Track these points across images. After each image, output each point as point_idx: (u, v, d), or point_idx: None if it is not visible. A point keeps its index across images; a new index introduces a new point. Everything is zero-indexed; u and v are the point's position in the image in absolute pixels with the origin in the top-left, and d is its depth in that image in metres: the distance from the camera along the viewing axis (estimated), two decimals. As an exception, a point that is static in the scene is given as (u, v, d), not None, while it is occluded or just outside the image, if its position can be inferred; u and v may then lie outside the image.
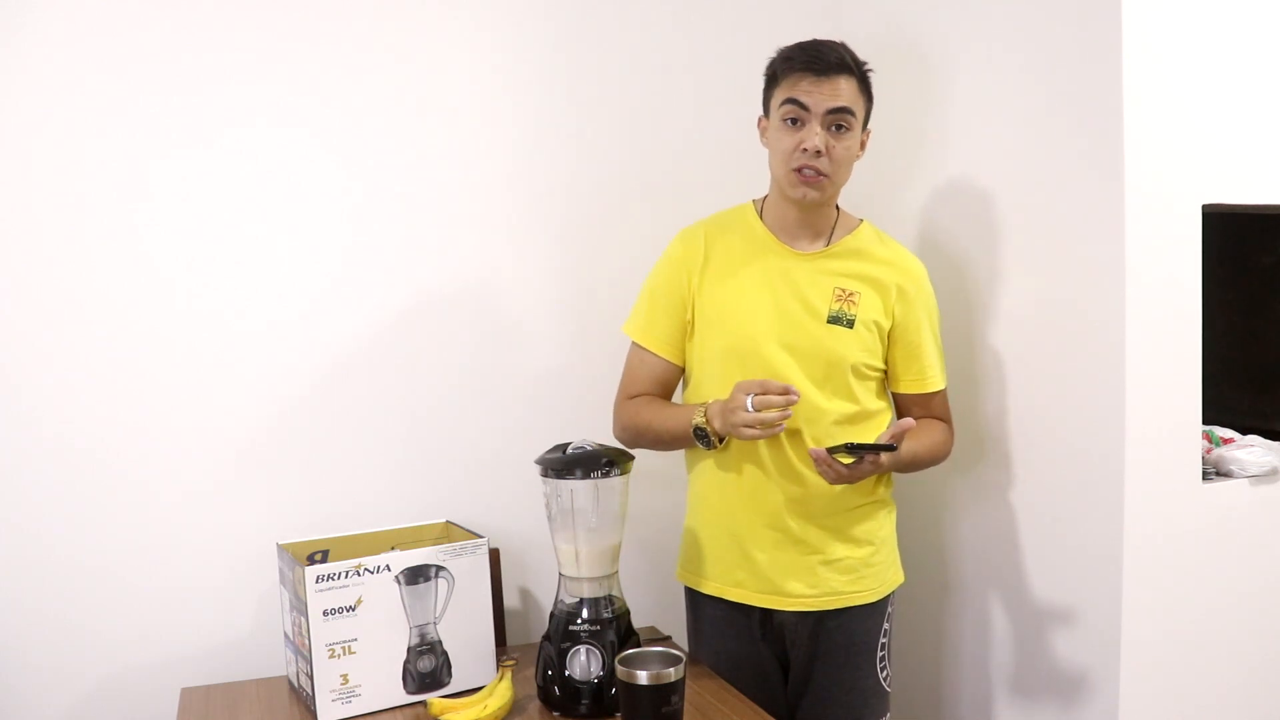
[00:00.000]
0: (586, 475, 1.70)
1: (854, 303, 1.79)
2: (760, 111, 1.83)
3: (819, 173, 1.73)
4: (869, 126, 1.81)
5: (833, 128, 1.72)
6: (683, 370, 1.89)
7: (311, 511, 2.01)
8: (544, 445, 1.78)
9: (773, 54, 1.79)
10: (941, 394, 1.89)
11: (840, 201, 1.89)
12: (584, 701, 1.69)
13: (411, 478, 2.09)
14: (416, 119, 2.07)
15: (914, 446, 1.80)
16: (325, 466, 2.04)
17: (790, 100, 1.72)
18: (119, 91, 1.89)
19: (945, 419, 1.91)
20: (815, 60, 1.71)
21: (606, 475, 1.70)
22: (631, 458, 1.76)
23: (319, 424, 2.03)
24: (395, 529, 1.95)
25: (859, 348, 1.79)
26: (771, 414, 1.62)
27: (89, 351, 1.90)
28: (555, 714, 1.70)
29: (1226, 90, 1.72)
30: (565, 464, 1.70)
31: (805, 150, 1.71)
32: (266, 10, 1.96)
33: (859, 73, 1.75)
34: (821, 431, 1.77)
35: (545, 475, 1.73)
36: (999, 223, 1.96)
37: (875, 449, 1.67)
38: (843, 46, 1.75)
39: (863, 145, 1.81)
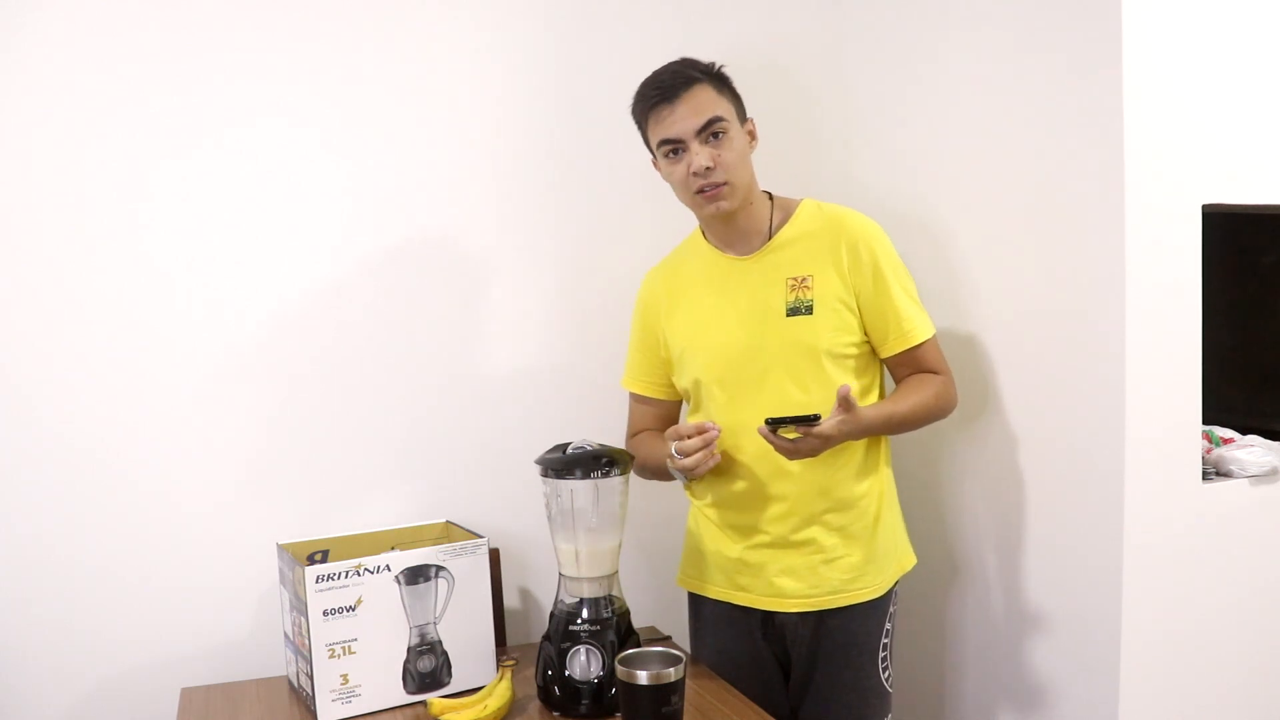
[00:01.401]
0: (586, 475, 1.70)
1: (809, 287, 1.79)
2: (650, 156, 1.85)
3: (717, 184, 1.75)
4: (749, 117, 1.82)
5: (710, 139, 1.73)
6: (677, 403, 1.98)
7: (311, 511, 2.01)
8: (544, 445, 1.78)
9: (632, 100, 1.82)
10: (928, 345, 1.83)
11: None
12: (584, 701, 1.69)
13: (411, 478, 2.09)
14: (417, 119, 2.07)
15: (891, 407, 1.77)
16: (325, 466, 2.04)
17: (663, 141, 1.76)
18: (119, 92, 1.89)
19: (939, 370, 1.85)
20: (662, 89, 1.74)
21: (606, 475, 1.71)
22: (631, 458, 1.76)
23: (319, 424, 2.03)
24: (395, 529, 1.95)
25: (826, 330, 1.78)
26: (691, 460, 1.70)
27: (89, 351, 1.90)
28: (555, 714, 1.70)
29: (1226, 90, 1.72)
30: (565, 464, 1.70)
31: (695, 174, 1.74)
32: (265, 10, 1.96)
33: (710, 77, 1.76)
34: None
35: (545, 475, 1.73)
36: (997, 223, 1.96)
37: (797, 420, 1.64)
38: (681, 62, 1.78)
39: (752, 135, 1.81)
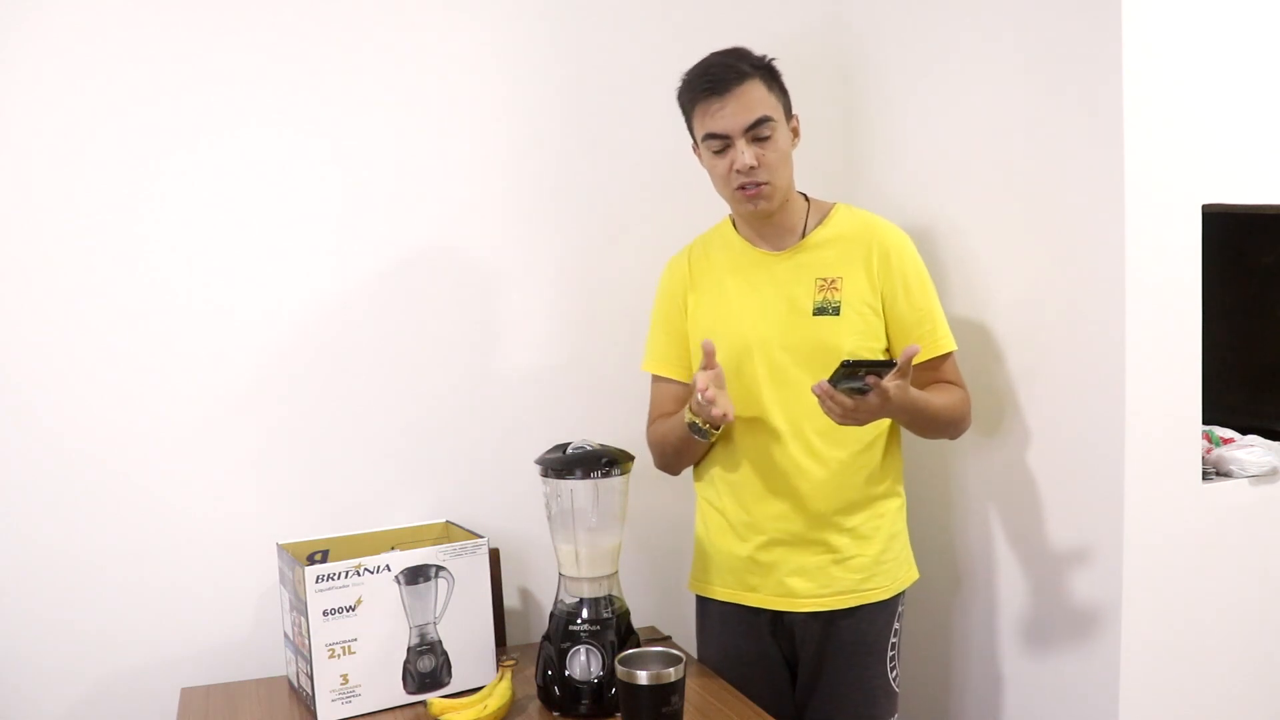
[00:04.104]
0: (586, 475, 1.70)
1: (837, 289, 1.79)
2: (691, 141, 1.83)
3: (759, 184, 1.74)
4: (795, 113, 1.80)
5: (756, 138, 1.72)
6: None
7: (311, 511, 2.01)
8: (544, 445, 1.78)
9: (679, 82, 1.78)
10: (951, 359, 1.83)
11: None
12: (584, 701, 1.69)
13: (411, 478, 2.09)
14: (416, 117, 2.07)
15: (927, 396, 1.73)
16: (325, 466, 2.04)
17: (709, 135, 1.74)
18: (121, 93, 1.89)
19: (959, 384, 1.84)
20: (714, 82, 1.72)
21: (606, 475, 1.71)
22: (631, 458, 1.76)
23: (319, 424, 2.03)
24: (395, 529, 1.95)
25: (850, 333, 1.78)
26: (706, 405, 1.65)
27: (89, 351, 1.90)
28: (555, 714, 1.70)
29: (1226, 90, 1.72)
30: (565, 464, 1.70)
31: (738, 171, 1.73)
32: (265, 11, 1.96)
33: (761, 71, 1.74)
34: (824, 424, 1.76)
35: (545, 475, 1.73)
36: (997, 223, 1.96)
37: (874, 365, 1.57)
38: (734, 54, 1.75)
39: (795, 133, 1.80)
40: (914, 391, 1.66)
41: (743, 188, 1.75)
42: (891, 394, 1.58)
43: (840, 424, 1.63)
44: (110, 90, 1.88)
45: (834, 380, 1.56)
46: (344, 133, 2.02)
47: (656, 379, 1.94)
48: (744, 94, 1.71)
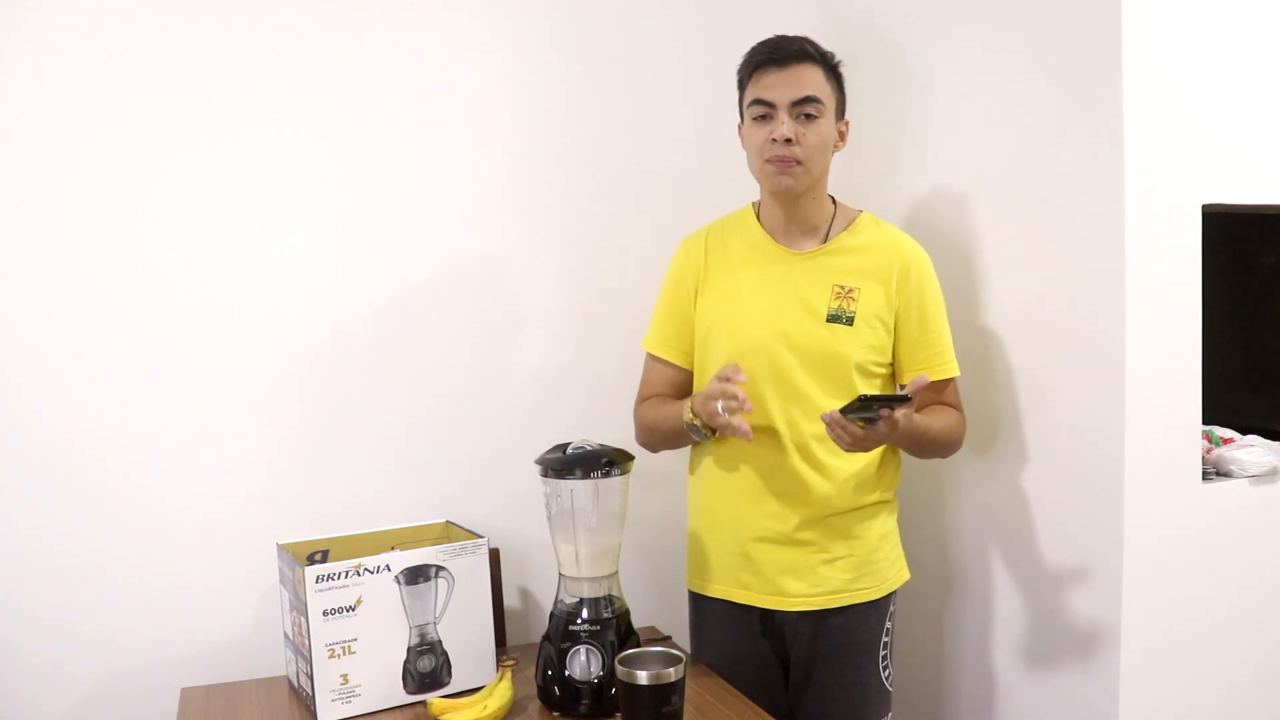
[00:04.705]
0: (586, 475, 1.70)
1: (853, 299, 1.79)
2: (739, 119, 1.84)
3: (792, 159, 1.74)
4: (846, 117, 1.81)
5: (800, 117, 1.73)
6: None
7: (311, 511, 2.01)
8: (544, 445, 1.78)
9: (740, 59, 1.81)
10: (953, 384, 1.85)
11: (839, 198, 1.90)
12: (584, 701, 1.69)
13: (411, 478, 2.09)
14: (418, 116, 2.07)
15: (928, 421, 1.76)
16: (325, 466, 2.04)
17: (757, 100, 1.75)
18: (121, 93, 1.89)
19: (957, 408, 1.87)
20: (776, 52, 1.74)
21: (606, 475, 1.71)
22: (631, 458, 1.76)
23: (319, 424, 2.03)
24: (395, 529, 1.95)
25: (860, 345, 1.78)
26: (732, 403, 1.64)
27: (89, 351, 1.90)
28: (555, 714, 1.70)
29: (1226, 90, 1.72)
30: (565, 464, 1.70)
31: (774, 140, 1.73)
32: (265, 11, 1.96)
33: (824, 62, 1.76)
34: (821, 428, 1.76)
35: (545, 475, 1.73)
36: (998, 223, 1.96)
37: (889, 400, 1.61)
38: (803, 38, 1.77)
39: (842, 136, 1.81)
40: (917, 419, 1.71)
41: (774, 159, 1.74)
42: (903, 422, 1.63)
43: (847, 451, 1.66)
44: (110, 90, 1.88)
45: (846, 411, 1.59)
46: (344, 133, 2.02)
47: (653, 358, 1.93)
48: (800, 71, 1.73)
